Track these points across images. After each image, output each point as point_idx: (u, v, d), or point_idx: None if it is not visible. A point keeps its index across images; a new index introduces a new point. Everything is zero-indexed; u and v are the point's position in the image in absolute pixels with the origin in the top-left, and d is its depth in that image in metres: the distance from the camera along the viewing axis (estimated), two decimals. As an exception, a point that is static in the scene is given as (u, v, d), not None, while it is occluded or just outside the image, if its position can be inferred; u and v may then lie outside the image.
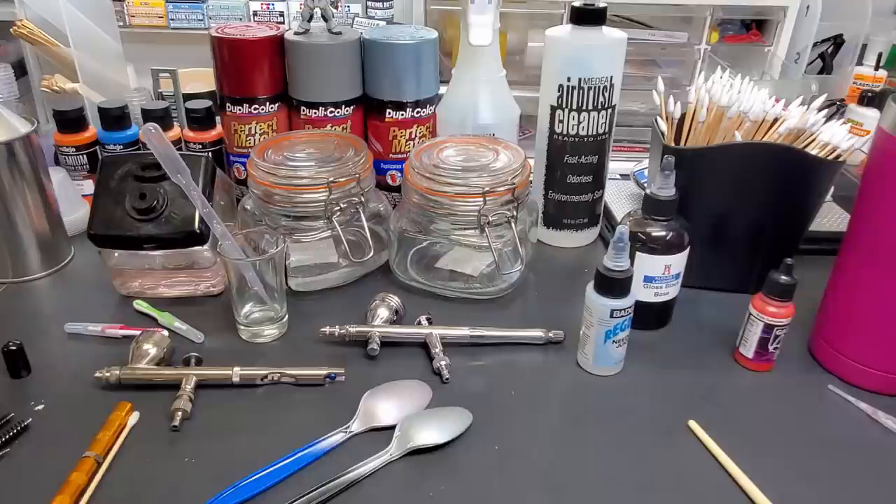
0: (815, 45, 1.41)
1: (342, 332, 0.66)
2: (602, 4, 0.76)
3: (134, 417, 0.58)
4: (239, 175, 0.88)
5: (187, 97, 0.97)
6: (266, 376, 0.62)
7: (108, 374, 0.60)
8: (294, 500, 0.50)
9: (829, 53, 1.51)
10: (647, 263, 0.66)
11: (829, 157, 0.68)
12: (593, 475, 0.54)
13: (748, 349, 0.64)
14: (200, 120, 0.89)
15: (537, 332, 0.67)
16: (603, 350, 0.62)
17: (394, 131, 0.84)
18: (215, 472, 0.53)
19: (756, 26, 1.43)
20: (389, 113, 0.83)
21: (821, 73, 1.50)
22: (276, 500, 0.51)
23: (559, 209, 0.84)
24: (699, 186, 0.70)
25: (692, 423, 0.58)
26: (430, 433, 0.56)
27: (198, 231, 0.69)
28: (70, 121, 0.88)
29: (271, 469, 0.53)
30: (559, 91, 0.77)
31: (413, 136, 0.84)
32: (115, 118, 0.89)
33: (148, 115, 0.88)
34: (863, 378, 0.62)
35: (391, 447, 0.55)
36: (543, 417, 0.59)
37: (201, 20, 1.97)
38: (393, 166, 0.86)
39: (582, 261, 0.84)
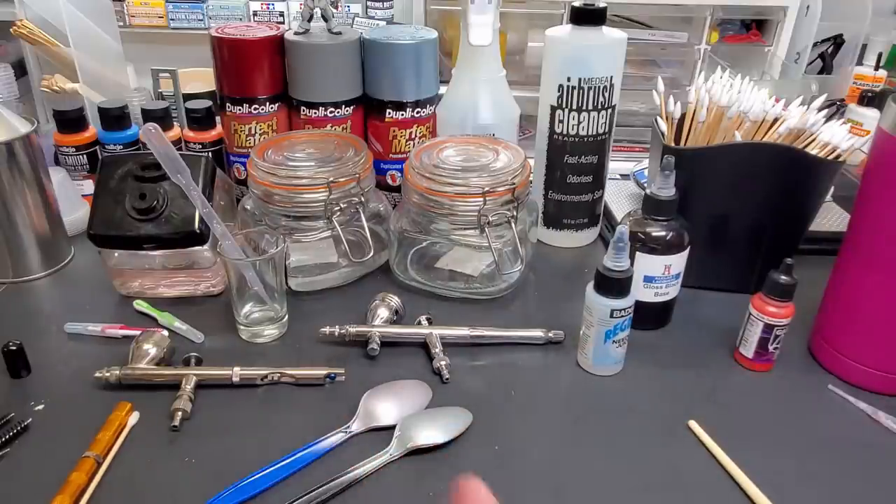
0: (815, 45, 1.41)
1: (342, 332, 0.66)
2: (602, 4, 0.76)
3: (134, 417, 0.58)
4: (239, 175, 0.88)
5: (187, 97, 0.97)
6: (266, 376, 0.62)
7: (108, 374, 0.60)
8: (294, 500, 0.50)
9: (829, 53, 1.51)
10: (647, 263, 0.66)
11: (829, 157, 0.68)
12: (593, 475, 0.54)
13: (748, 349, 0.64)
14: (200, 120, 0.89)
15: (537, 332, 0.67)
16: (603, 350, 0.62)
17: (394, 131, 0.84)
18: (215, 472, 0.53)
19: (756, 26, 1.43)
20: (389, 113, 0.83)
21: (821, 73, 1.50)
22: (276, 500, 0.51)
23: (559, 209, 0.84)
24: (699, 186, 0.70)
25: (692, 423, 0.58)
26: (430, 433, 0.56)
27: (198, 231, 0.69)
28: (70, 121, 0.88)
29: (271, 469, 0.53)
30: (559, 91, 0.77)
31: (413, 136, 0.84)
32: (115, 118, 0.89)
33: (148, 115, 0.88)
34: (863, 378, 0.62)
35: (391, 447, 0.55)
36: (543, 417, 0.59)
37: (201, 20, 1.97)
38: (393, 166, 0.86)
39: (582, 261, 0.84)
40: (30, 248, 0.77)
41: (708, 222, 0.72)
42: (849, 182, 0.93)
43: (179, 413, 0.57)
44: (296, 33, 0.82)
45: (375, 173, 0.78)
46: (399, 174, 0.86)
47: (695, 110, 0.73)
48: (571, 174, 0.81)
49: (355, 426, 0.57)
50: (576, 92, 0.76)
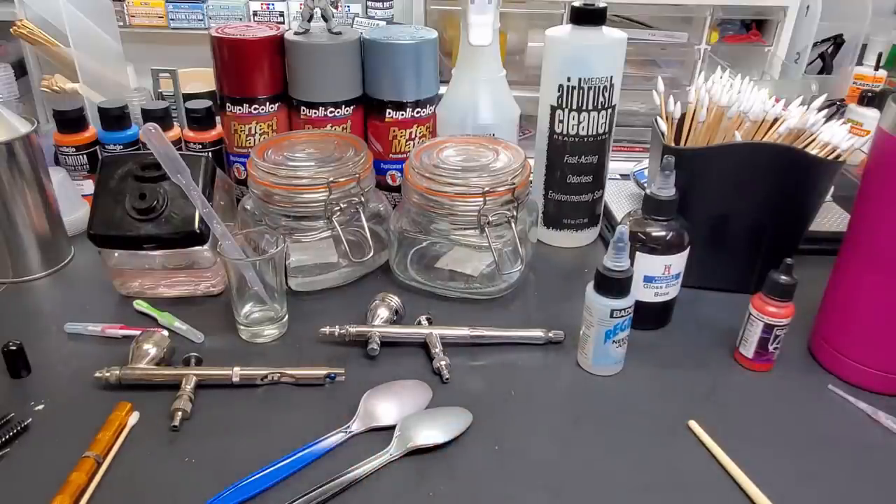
0: (815, 45, 1.41)
1: (342, 332, 0.66)
2: (602, 4, 0.76)
3: (134, 417, 0.58)
4: (239, 175, 0.88)
5: (187, 97, 0.97)
6: (266, 376, 0.62)
7: (108, 374, 0.60)
8: (294, 500, 0.50)
9: (829, 53, 1.51)
10: (647, 263, 0.66)
11: (829, 157, 0.68)
12: (593, 475, 0.54)
13: (748, 349, 0.64)
14: (200, 120, 0.89)
15: (537, 332, 0.67)
16: (603, 350, 0.62)
17: (394, 131, 0.84)
18: (215, 472, 0.53)
19: (756, 26, 1.43)
20: (389, 113, 0.83)
21: (821, 73, 1.50)
22: (276, 500, 0.51)
23: (559, 209, 0.84)
24: (699, 186, 0.70)
25: (692, 423, 0.58)
26: (430, 433, 0.56)
27: (198, 231, 0.69)
28: (70, 121, 0.88)
29: (271, 469, 0.53)
30: (559, 91, 0.77)
31: (413, 136, 0.84)
32: (115, 118, 0.89)
33: (148, 115, 0.88)
34: (863, 378, 0.62)
35: (391, 447, 0.55)
36: (543, 417, 0.59)
37: (201, 20, 1.97)
38: (393, 166, 0.86)
39: (582, 261, 0.84)
40: (30, 248, 0.77)
41: (708, 222, 0.72)
42: (849, 182, 0.93)
43: (179, 413, 0.57)
44: (296, 33, 0.82)
45: (375, 173, 0.78)
46: (399, 174, 0.86)
47: (695, 110, 0.73)
48: (571, 174, 0.81)
49: (355, 426, 0.57)
50: (576, 92, 0.76)
